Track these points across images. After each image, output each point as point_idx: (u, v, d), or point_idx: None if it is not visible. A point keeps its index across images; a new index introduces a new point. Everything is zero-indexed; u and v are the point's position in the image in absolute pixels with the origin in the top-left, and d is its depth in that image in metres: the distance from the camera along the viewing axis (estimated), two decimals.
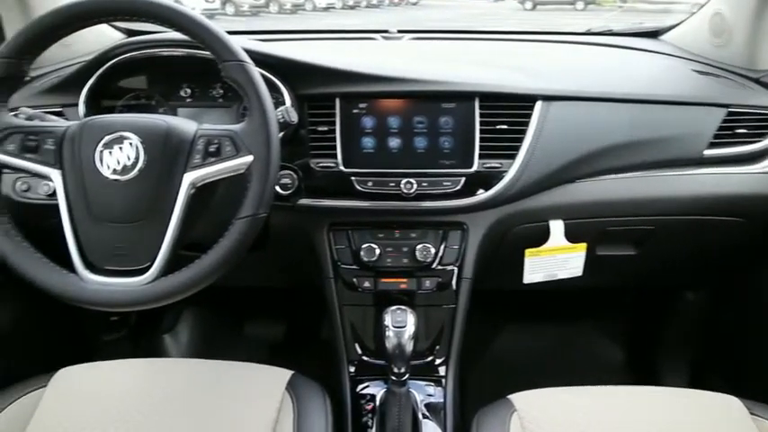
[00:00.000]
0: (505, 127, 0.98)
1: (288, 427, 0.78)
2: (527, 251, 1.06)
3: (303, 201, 1.00)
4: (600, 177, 1.03)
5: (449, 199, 0.99)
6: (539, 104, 0.99)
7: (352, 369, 1.04)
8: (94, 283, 0.71)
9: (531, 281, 1.09)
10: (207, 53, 0.97)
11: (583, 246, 1.07)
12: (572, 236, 1.05)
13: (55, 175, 0.72)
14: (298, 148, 0.98)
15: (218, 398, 0.81)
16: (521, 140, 0.98)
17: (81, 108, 0.98)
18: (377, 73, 0.99)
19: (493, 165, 0.98)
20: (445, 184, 0.98)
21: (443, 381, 1.03)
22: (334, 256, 1.03)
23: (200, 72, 1.04)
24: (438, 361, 1.05)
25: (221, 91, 1.05)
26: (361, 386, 1.02)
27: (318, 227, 1.04)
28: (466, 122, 0.98)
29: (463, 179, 0.98)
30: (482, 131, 0.97)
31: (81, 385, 0.82)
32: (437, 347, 1.05)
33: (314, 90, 0.98)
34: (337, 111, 0.98)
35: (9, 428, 0.75)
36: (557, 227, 1.04)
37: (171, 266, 0.73)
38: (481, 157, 0.97)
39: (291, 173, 0.97)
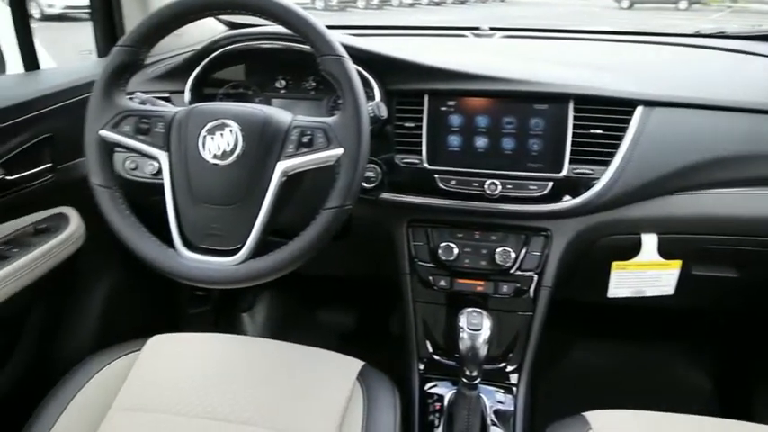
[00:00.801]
0: (600, 132, 0.94)
1: (357, 416, 0.79)
2: (614, 264, 1.01)
3: (385, 195, 1.01)
4: (702, 191, 0.96)
5: (534, 203, 0.96)
6: (639, 110, 0.93)
7: (422, 366, 1.04)
8: (190, 260, 0.76)
9: (616, 295, 1.03)
10: (304, 47, 1.01)
11: (677, 263, 1.00)
12: (666, 252, 0.98)
13: (162, 156, 0.78)
14: (383, 142, 0.99)
15: (292, 379, 0.84)
16: (616, 147, 0.93)
17: (186, 95, 1.05)
18: (467, 71, 0.97)
19: (584, 171, 0.94)
20: (531, 187, 0.95)
21: (515, 389, 1.00)
22: (411, 252, 1.04)
23: (294, 65, 1.07)
24: (510, 368, 1.03)
25: (314, 84, 1.08)
26: (429, 384, 1.02)
27: (398, 222, 1.04)
28: (557, 125, 0.94)
29: (551, 184, 0.94)
30: (575, 135, 0.94)
31: (171, 353, 0.88)
32: (510, 354, 1.02)
33: (404, 86, 0.99)
34: (425, 107, 0.98)
35: (108, 385, 0.82)
36: (650, 241, 0.98)
37: (258, 250, 0.76)
38: (572, 162, 0.94)
39: (375, 167, 0.98)
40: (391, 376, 0.89)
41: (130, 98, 0.84)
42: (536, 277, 1.00)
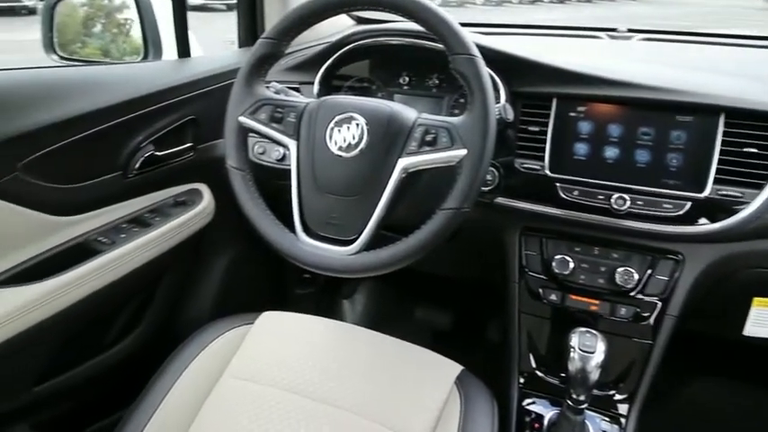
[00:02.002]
0: (755, 151, 0.83)
1: (453, 421, 0.78)
2: (755, 300, 0.90)
3: (500, 200, 0.98)
4: None
5: (665, 223, 0.88)
6: None
7: (522, 380, 1.01)
8: (308, 246, 0.79)
9: (754, 335, 0.92)
10: (431, 44, 1.01)
11: None
12: None
13: (291, 144, 0.81)
14: (502, 145, 0.96)
15: (391, 373, 0.85)
16: None
17: (315, 86, 1.09)
18: (602, 75, 0.91)
19: (730, 192, 0.84)
20: (665, 206, 0.87)
21: (623, 420, 0.93)
22: (522, 261, 1.00)
23: (418, 62, 1.08)
24: (619, 396, 0.95)
25: (437, 82, 1.07)
26: (528, 400, 0.98)
27: (511, 229, 1.01)
28: (703, 140, 0.85)
29: (689, 204, 0.86)
30: (723, 153, 0.84)
31: (280, 329, 0.93)
32: (621, 383, 0.95)
33: (531, 88, 0.95)
34: (552, 112, 0.93)
35: (222, 353, 0.88)
36: None
37: (372, 243, 0.77)
38: (717, 182, 0.84)
39: (493, 170, 0.96)
40: (487, 384, 0.86)
41: (267, 87, 0.89)
42: (660, 304, 0.92)
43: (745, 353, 1.29)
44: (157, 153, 1.05)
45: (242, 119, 0.83)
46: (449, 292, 1.67)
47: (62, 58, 1.22)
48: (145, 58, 1.23)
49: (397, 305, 1.75)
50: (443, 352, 0.90)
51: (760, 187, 0.82)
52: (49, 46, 1.20)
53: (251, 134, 0.86)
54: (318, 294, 1.63)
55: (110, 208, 0.99)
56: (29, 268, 0.86)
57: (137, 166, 1.01)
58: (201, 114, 1.12)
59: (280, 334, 0.92)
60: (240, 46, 1.33)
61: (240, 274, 1.36)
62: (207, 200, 1.14)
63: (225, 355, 0.88)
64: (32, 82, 0.90)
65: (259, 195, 0.84)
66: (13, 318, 0.79)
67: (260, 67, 0.84)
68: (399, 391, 0.82)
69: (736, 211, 0.84)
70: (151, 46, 1.23)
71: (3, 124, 0.80)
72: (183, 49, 1.17)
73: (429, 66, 1.07)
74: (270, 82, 0.97)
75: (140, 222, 1.02)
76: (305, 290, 1.58)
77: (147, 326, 1.10)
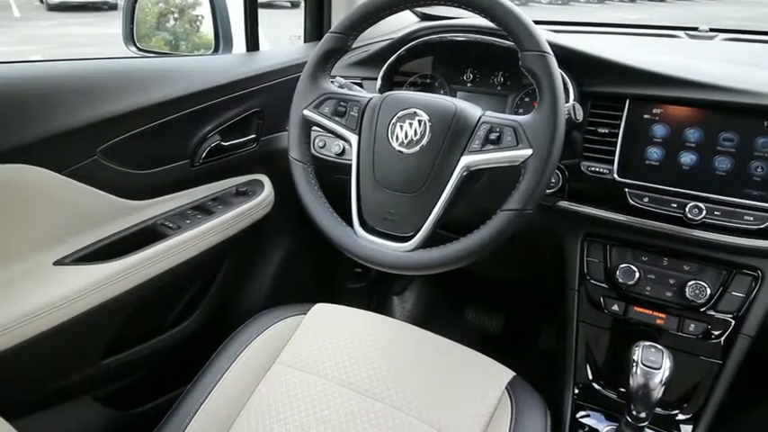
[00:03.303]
0: None
1: (503, 428, 0.76)
2: None
3: (563, 203, 0.95)
4: None
5: (744, 236, 0.82)
6: None
7: (577, 391, 0.97)
8: (365, 240, 0.79)
9: None
10: (496, 40, 0.99)
11: None
12: None
13: (353, 139, 0.81)
14: (569, 147, 0.92)
15: (442, 374, 0.84)
16: None
17: (378, 82, 1.09)
18: (681, 76, 0.86)
19: None
20: (747, 218, 0.81)
21: None
22: (584, 268, 0.96)
23: (483, 59, 1.05)
24: (682, 417, 0.90)
25: (501, 79, 1.05)
26: (582, 413, 0.94)
27: (573, 233, 0.97)
28: None
29: None
30: None
31: (331, 322, 0.94)
32: (686, 404, 0.90)
33: (603, 88, 0.91)
34: (624, 113, 0.89)
35: (275, 341, 0.90)
36: None
37: (429, 241, 0.76)
38: None
39: (557, 172, 0.93)
40: (538, 393, 0.84)
41: (331, 81, 0.90)
42: (733, 322, 0.86)
43: None
44: (223, 143, 1.08)
45: (306, 112, 0.84)
46: (501, 295, 1.63)
47: (140, 50, 1.28)
48: (215, 51, 1.28)
49: (447, 305, 1.73)
50: (492, 356, 0.88)
51: None
52: (129, 38, 1.27)
53: (314, 128, 0.87)
54: (370, 289, 1.63)
55: (176, 194, 1.04)
56: (102, 248, 0.91)
57: (203, 155, 1.05)
58: (266, 107, 1.14)
59: (331, 326, 0.93)
60: (306, 41, 1.35)
61: (295, 266, 1.39)
62: (267, 191, 1.16)
63: (277, 343, 0.90)
64: (112, 71, 0.95)
65: (319, 188, 0.85)
66: (86, 294, 0.84)
67: (326, 62, 0.85)
68: (449, 392, 0.81)
69: None
70: (222, 39, 1.27)
71: (85, 110, 0.85)
72: (253, 44, 1.21)
73: (494, 63, 1.05)
74: (334, 77, 0.98)
75: (204, 210, 1.05)
76: (357, 284, 1.59)
77: (205, 310, 1.14)
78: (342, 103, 0.83)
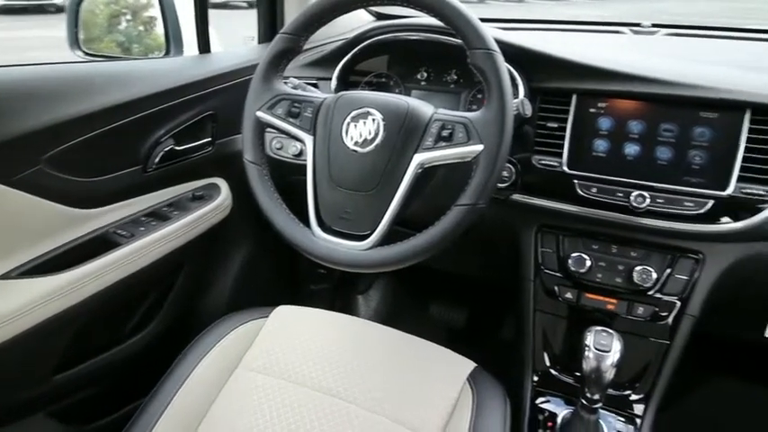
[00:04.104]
0: None
1: (465, 417, 0.78)
2: None
3: (516, 196, 0.97)
4: None
5: (686, 221, 0.86)
6: None
7: (536, 378, 1.00)
8: (323, 240, 0.79)
9: None
10: (449, 39, 1.00)
11: None
12: None
13: (308, 139, 0.82)
14: (520, 141, 0.95)
15: (404, 369, 0.85)
16: None
17: (333, 82, 1.09)
18: (624, 70, 0.90)
19: (754, 191, 0.82)
20: (686, 204, 0.85)
21: (638, 421, 0.92)
22: (538, 258, 0.99)
23: (437, 57, 1.07)
24: (635, 397, 0.94)
25: (454, 77, 1.07)
26: (542, 399, 0.97)
27: (527, 225, 1.00)
28: (728, 137, 0.83)
29: (711, 202, 0.84)
30: (748, 150, 0.82)
31: (294, 323, 0.94)
32: (637, 383, 0.94)
33: (550, 84, 0.94)
34: (572, 108, 0.92)
35: (237, 345, 0.89)
36: None
37: (386, 238, 0.77)
38: (741, 179, 0.82)
39: (510, 166, 0.95)
40: (501, 383, 0.86)
41: (285, 83, 0.90)
42: (679, 304, 0.90)
43: (766, 355, 1.26)
44: (177, 148, 1.06)
45: (259, 113, 0.84)
46: (464, 289, 1.66)
47: (87, 54, 1.24)
48: (167, 54, 1.25)
49: (411, 302, 1.75)
50: (457, 349, 0.90)
51: None
52: (75, 42, 1.23)
53: (268, 129, 0.87)
54: (333, 290, 1.63)
55: (129, 201, 1.01)
56: (50, 259, 0.88)
57: (156, 160, 1.03)
58: (220, 109, 1.13)
59: (293, 328, 0.92)
60: (260, 42, 1.34)
61: (256, 269, 1.38)
62: (224, 194, 1.15)
63: (239, 347, 0.89)
64: (56, 77, 0.92)
65: (275, 190, 0.84)
66: (35, 308, 0.81)
67: (278, 63, 0.85)
68: (411, 386, 0.82)
69: (759, 210, 0.82)
70: (173, 42, 1.24)
71: (27, 118, 0.82)
72: (204, 46, 1.19)
73: (447, 61, 1.06)
74: (288, 78, 0.98)
75: (159, 216, 1.03)
76: (320, 285, 1.59)
77: (164, 318, 1.12)
78: (295, 104, 0.83)
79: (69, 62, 1.04)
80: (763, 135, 0.81)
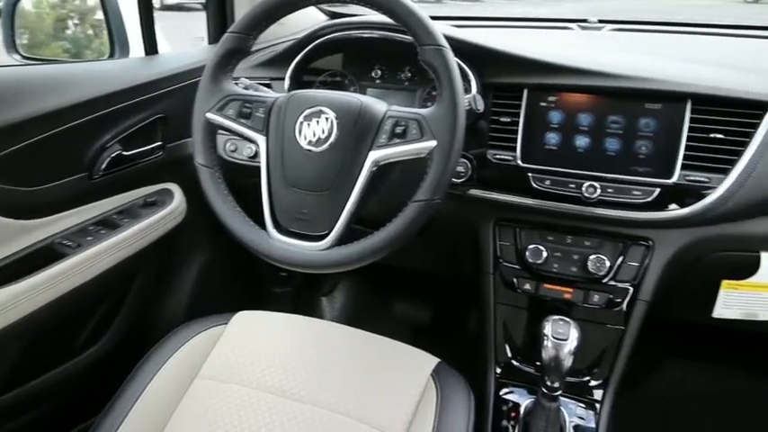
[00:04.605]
0: (721, 136, 0.84)
1: (429, 413, 0.78)
2: (724, 282, 0.91)
3: (473, 191, 0.98)
4: None
5: (635, 210, 0.89)
6: None
7: (499, 370, 1.01)
8: (279, 242, 0.78)
9: (723, 316, 0.94)
10: (402, 36, 1.00)
11: None
12: None
13: (260, 140, 0.80)
14: (475, 137, 0.96)
15: (367, 369, 0.84)
16: (739, 154, 0.83)
17: (286, 82, 1.08)
18: (572, 65, 0.92)
19: (697, 178, 0.85)
20: (635, 193, 0.88)
21: (598, 406, 0.94)
22: (497, 251, 1.00)
23: (391, 55, 1.07)
24: (594, 383, 0.96)
25: (409, 75, 1.07)
26: (505, 390, 0.98)
27: (485, 220, 1.01)
28: (671, 127, 0.86)
29: (657, 190, 0.87)
30: (690, 139, 0.85)
31: (254, 329, 0.92)
32: (596, 369, 0.96)
33: (502, 79, 0.95)
34: (523, 102, 0.94)
35: (196, 354, 0.87)
36: None
37: (344, 238, 0.76)
38: (684, 167, 0.85)
39: (466, 162, 0.96)
40: (465, 376, 0.87)
41: (236, 83, 0.88)
42: (632, 290, 0.93)
43: (716, 335, 1.31)
44: (125, 153, 1.02)
45: (209, 115, 0.82)
46: (427, 286, 1.67)
47: (24, 57, 1.19)
48: (111, 56, 1.21)
49: (376, 301, 1.74)
50: (422, 346, 0.90)
51: (725, 172, 0.84)
52: (11, 46, 1.17)
53: (221, 131, 0.85)
54: (296, 293, 1.62)
55: (75, 210, 0.97)
56: None
57: (103, 166, 0.99)
58: (170, 112, 1.10)
59: (254, 333, 0.91)
60: (210, 42, 1.31)
61: (215, 275, 1.34)
62: (178, 200, 1.12)
63: (198, 356, 0.87)
64: None
65: (228, 193, 0.83)
66: None
67: (227, 63, 0.83)
68: (375, 385, 0.81)
69: (703, 196, 0.85)
70: (117, 44, 1.20)
71: None
72: (150, 47, 1.15)
73: (401, 59, 1.06)
74: (238, 78, 0.96)
75: (108, 224, 0.99)
76: (282, 288, 1.57)
77: (119, 329, 1.08)
78: (247, 105, 0.81)
79: (5, 66, 0.99)
80: (703, 124, 0.85)
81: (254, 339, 0.89)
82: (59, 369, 0.97)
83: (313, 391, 0.79)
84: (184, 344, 0.88)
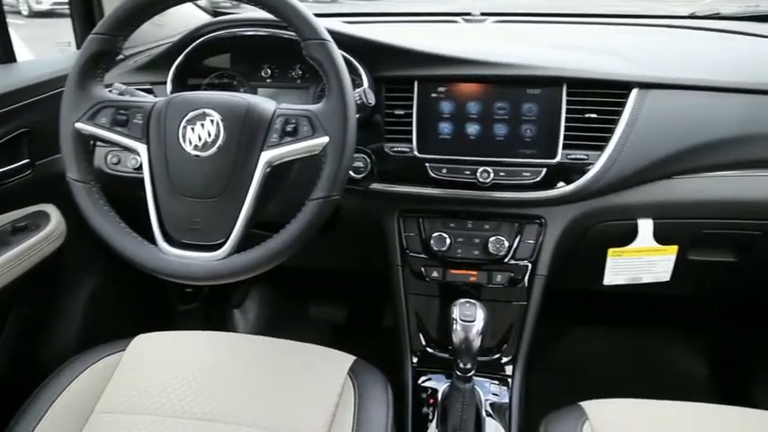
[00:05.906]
0: (595, 116, 0.91)
1: (348, 412, 0.77)
2: (610, 251, 0.99)
3: (375, 185, 0.98)
4: (700, 175, 0.94)
5: (527, 190, 0.94)
6: (634, 92, 0.91)
7: (415, 360, 1.02)
8: (172, 255, 0.73)
9: (612, 282, 1.01)
10: (289, 33, 0.98)
11: (673, 249, 0.98)
12: (662, 237, 0.96)
13: (141, 148, 0.75)
14: (372, 131, 0.96)
15: (281, 376, 0.82)
16: (611, 131, 0.90)
17: (168, 85, 1.01)
18: (458, 56, 0.95)
19: (578, 156, 0.91)
20: (524, 174, 0.92)
21: (510, 381, 0.99)
22: (403, 243, 1.01)
23: (280, 53, 1.04)
24: (505, 359, 1.01)
25: (300, 72, 1.05)
26: (423, 378, 1.00)
27: (389, 213, 1.02)
28: (551, 110, 0.92)
29: (544, 170, 0.92)
30: (568, 120, 0.91)
31: (156, 352, 0.86)
32: (505, 345, 1.01)
33: (392, 72, 0.96)
34: (415, 94, 0.95)
35: (91, 387, 0.80)
36: (645, 226, 0.96)
37: (243, 244, 0.73)
38: (566, 147, 0.91)
39: (365, 156, 0.96)
40: (384, 370, 0.87)
41: (109, 90, 0.81)
42: (530, 266, 0.98)
43: (610, 302, 1.43)
44: None
45: (78, 125, 0.75)
46: (341, 285, 1.66)
47: None
48: None
49: (291, 307, 1.71)
50: (342, 346, 0.89)
51: (601, 149, 0.91)
52: None
53: (99, 143, 0.78)
54: (205, 308, 1.53)
55: None
56: None
57: None
58: (36, 126, 0.99)
59: (156, 356, 0.85)
60: (78, 47, 1.19)
61: (111, 298, 1.24)
62: (55, 221, 1.01)
63: (94, 388, 0.79)
64: None
65: (110, 208, 0.76)
66: None
67: (94, 67, 0.76)
68: (292, 392, 0.79)
69: (585, 173, 0.91)
70: None
71: None
72: (6, 54, 1.03)
73: (291, 56, 1.04)
74: (111, 84, 0.89)
75: None
76: (189, 305, 1.48)
77: None
78: (122, 111, 0.75)
79: None
80: (578, 105, 0.91)
81: (157, 363, 0.83)
82: None
83: (227, 409, 0.76)
84: (76, 378, 0.80)
